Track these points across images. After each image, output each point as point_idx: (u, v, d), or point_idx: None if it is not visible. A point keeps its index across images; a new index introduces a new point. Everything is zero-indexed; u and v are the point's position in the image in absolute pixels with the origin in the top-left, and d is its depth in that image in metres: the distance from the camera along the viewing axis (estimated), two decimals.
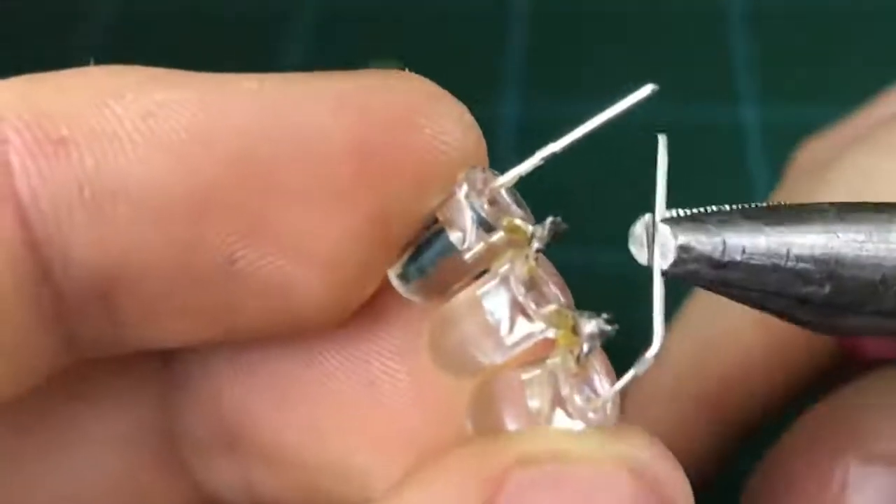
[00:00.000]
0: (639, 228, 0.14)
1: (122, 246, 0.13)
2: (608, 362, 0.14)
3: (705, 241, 0.14)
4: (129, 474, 0.17)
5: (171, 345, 0.15)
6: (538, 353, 0.14)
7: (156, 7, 0.48)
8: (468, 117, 0.15)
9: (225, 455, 0.17)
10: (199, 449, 0.17)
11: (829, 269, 0.14)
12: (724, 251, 0.14)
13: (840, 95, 0.42)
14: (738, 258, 0.14)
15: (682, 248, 0.14)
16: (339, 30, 0.46)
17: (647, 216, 0.14)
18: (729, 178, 0.39)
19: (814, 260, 0.14)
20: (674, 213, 0.14)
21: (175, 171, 0.13)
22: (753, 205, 0.15)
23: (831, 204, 0.15)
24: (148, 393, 0.17)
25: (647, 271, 0.14)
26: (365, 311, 0.16)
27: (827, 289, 0.15)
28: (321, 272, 0.14)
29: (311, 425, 0.16)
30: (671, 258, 0.14)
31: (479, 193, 0.14)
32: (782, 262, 0.14)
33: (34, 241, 0.13)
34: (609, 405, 0.13)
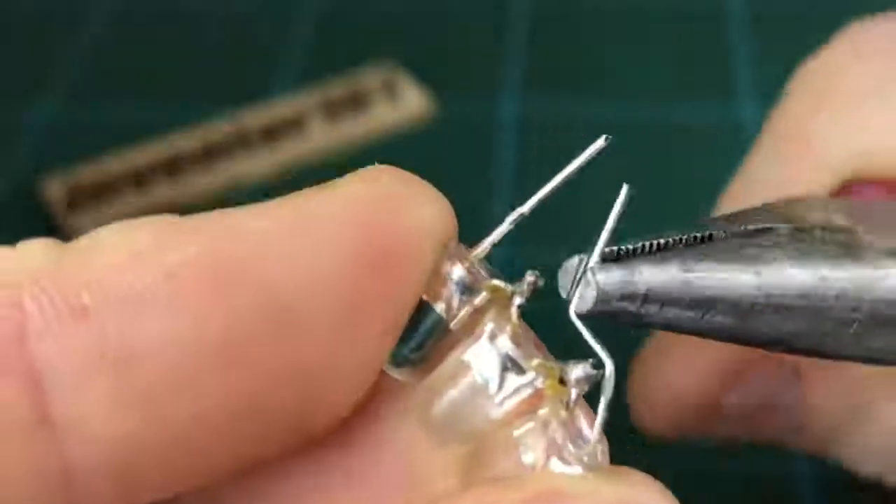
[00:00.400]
0: (568, 266, 0.15)
1: (145, 415, 0.13)
2: (587, 406, 0.14)
3: (626, 287, 0.15)
4: None
5: (187, 490, 0.15)
6: (524, 411, 0.14)
7: (154, 7, 0.48)
8: (445, 204, 0.15)
9: None
10: None
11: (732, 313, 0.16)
12: (643, 297, 0.15)
13: None
14: (653, 308, 0.16)
15: (602, 294, 0.15)
16: (338, 30, 0.46)
17: (577, 258, 0.15)
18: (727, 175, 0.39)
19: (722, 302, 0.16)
20: (612, 248, 0.15)
21: (200, 328, 0.13)
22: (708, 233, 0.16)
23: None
24: None
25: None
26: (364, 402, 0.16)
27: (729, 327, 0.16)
28: (348, 395, 0.14)
29: None
30: (589, 302, 0.15)
31: (459, 262, 0.15)
32: (700, 314, 0.16)
33: (49, 416, 0.13)
34: (599, 448, 0.14)
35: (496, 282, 0.15)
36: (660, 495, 0.13)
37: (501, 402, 0.14)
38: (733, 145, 0.40)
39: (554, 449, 0.14)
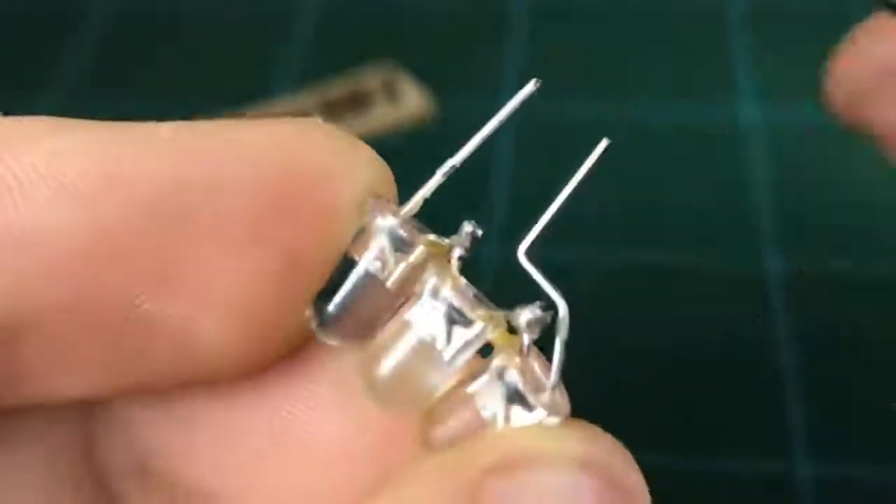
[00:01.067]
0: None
1: (22, 295, 0.13)
2: (538, 350, 0.14)
3: None
4: None
5: (76, 396, 0.15)
6: (475, 367, 0.14)
7: (154, 8, 0.48)
8: (380, 162, 0.15)
9: (139, 487, 0.17)
10: (116, 480, 0.17)
11: None
12: None
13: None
14: None
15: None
16: (337, 30, 0.46)
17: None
18: (727, 175, 0.39)
19: None
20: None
21: (80, 217, 0.13)
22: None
23: None
24: (68, 426, 0.17)
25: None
26: (288, 362, 0.15)
27: None
28: (229, 321, 0.14)
29: (218, 471, 0.16)
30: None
31: (391, 217, 0.14)
32: None
33: None
34: (558, 391, 0.13)
35: (432, 237, 0.14)
36: (616, 450, 0.13)
37: (452, 359, 0.14)
38: (733, 145, 0.40)
39: (514, 398, 0.13)
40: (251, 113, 0.41)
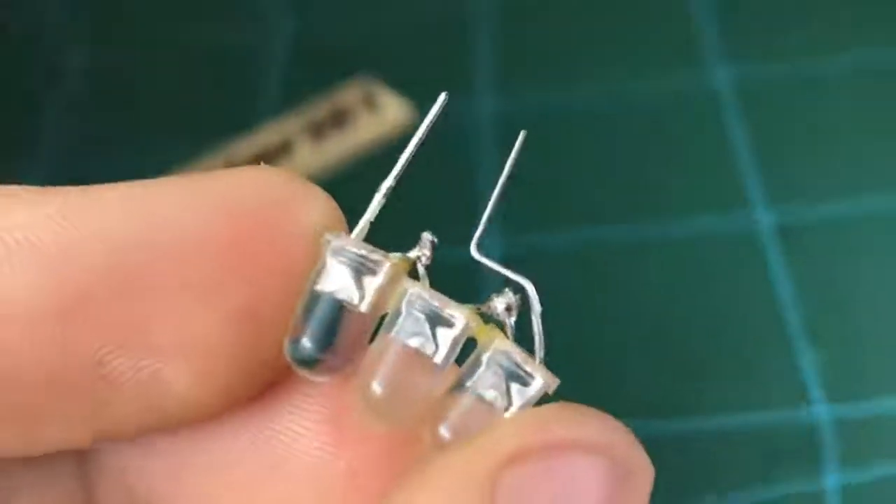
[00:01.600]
0: None
1: None
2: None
3: None
4: None
5: (50, 449, 0.15)
6: (461, 373, 0.14)
7: (129, 42, 0.48)
8: (331, 202, 0.15)
9: None
10: None
11: None
12: None
13: (809, 52, 0.42)
14: None
15: None
16: (313, 52, 0.47)
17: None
18: (706, 144, 0.40)
19: None
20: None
21: (41, 284, 0.14)
22: None
23: None
24: (66, 481, 0.17)
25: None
26: (270, 391, 0.16)
27: None
28: (194, 369, 0.15)
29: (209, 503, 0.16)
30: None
31: (351, 244, 0.15)
32: None
33: None
34: (543, 365, 0.14)
35: (395, 254, 0.15)
36: (623, 429, 0.14)
37: (443, 360, 0.14)
38: (706, 124, 0.41)
39: (514, 375, 0.14)
40: (207, 163, 0.41)
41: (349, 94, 0.43)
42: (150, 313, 0.14)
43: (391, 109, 0.42)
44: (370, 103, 0.43)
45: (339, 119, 0.42)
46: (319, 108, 0.43)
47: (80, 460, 0.17)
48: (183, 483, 0.16)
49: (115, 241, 0.14)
